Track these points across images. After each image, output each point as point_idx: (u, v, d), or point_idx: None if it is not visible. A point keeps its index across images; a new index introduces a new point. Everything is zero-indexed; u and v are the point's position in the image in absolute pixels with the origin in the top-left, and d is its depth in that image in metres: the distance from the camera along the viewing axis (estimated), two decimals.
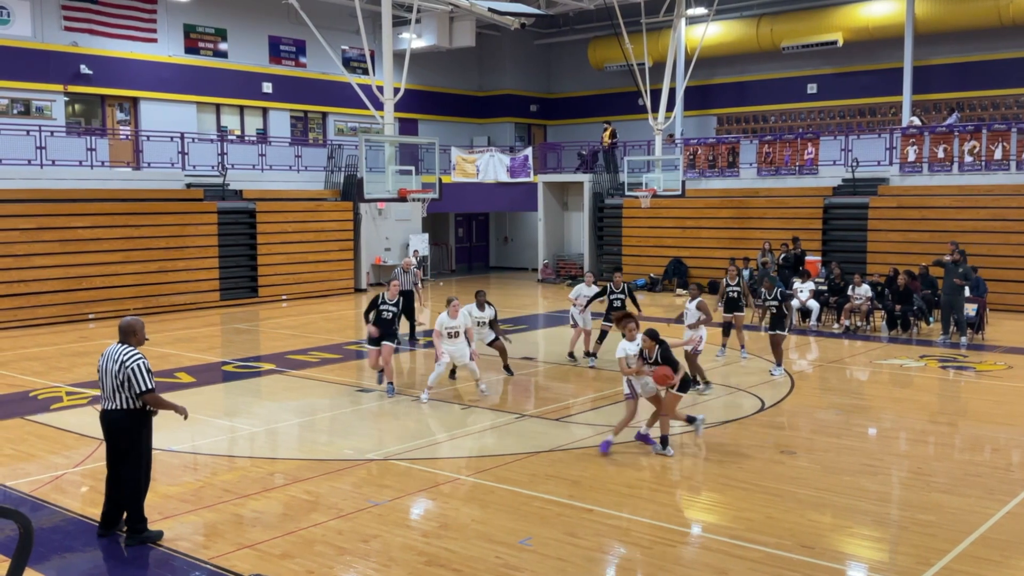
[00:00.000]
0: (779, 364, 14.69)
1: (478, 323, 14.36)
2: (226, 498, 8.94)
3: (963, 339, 17.72)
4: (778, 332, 14.61)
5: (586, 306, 15.63)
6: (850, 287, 19.51)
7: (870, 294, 19.27)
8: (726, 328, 16.18)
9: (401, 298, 13.82)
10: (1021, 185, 22.57)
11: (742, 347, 16.13)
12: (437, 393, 13.32)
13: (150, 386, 7.65)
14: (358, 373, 15.61)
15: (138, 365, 7.62)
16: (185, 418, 7.93)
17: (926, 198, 23.72)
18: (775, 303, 14.67)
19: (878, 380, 14.98)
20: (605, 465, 9.98)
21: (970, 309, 18.17)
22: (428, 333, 15.07)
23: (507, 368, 14.83)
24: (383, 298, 13.59)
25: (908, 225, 23.38)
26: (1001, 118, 26.31)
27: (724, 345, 16.23)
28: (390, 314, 13.51)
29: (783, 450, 10.55)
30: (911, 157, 24.52)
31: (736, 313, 16.10)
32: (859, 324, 19.29)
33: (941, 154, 24.00)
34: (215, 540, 7.88)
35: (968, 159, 23.56)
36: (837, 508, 8.60)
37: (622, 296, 15.41)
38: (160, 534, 7.87)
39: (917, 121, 26.19)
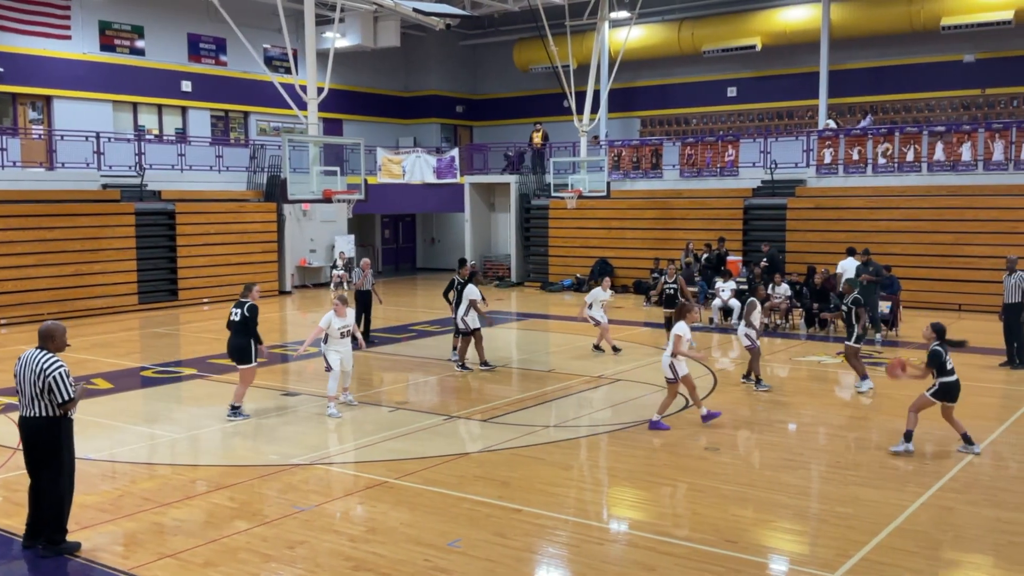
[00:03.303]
0: (863, 377, 13.69)
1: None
2: (146, 507, 8.73)
3: (877, 336, 18.24)
4: (848, 344, 13.66)
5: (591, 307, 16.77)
6: (770, 286, 19.95)
7: (789, 293, 19.73)
8: (668, 324, 16.44)
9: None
10: (932, 186, 23.35)
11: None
12: (363, 397, 13.20)
13: (71, 396, 7.48)
14: (282, 377, 15.40)
15: (59, 374, 7.42)
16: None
17: (841, 199, 24.37)
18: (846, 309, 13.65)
19: (797, 376, 15.34)
20: (533, 465, 10.02)
21: (884, 307, 18.73)
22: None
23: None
24: None
25: (825, 225, 23.99)
26: (913, 121, 27.18)
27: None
28: None
29: (707, 447, 10.73)
30: (827, 159, 25.18)
31: (674, 309, 16.49)
32: (779, 322, 19.74)
33: (856, 156, 24.69)
34: (135, 550, 7.68)
35: (881, 161, 24.29)
36: (759, 502, 8.79)
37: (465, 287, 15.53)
38: (78, 545, 7.65)
39: (833, 124, 26.94)
